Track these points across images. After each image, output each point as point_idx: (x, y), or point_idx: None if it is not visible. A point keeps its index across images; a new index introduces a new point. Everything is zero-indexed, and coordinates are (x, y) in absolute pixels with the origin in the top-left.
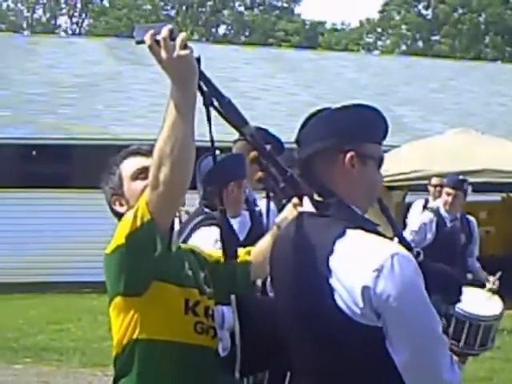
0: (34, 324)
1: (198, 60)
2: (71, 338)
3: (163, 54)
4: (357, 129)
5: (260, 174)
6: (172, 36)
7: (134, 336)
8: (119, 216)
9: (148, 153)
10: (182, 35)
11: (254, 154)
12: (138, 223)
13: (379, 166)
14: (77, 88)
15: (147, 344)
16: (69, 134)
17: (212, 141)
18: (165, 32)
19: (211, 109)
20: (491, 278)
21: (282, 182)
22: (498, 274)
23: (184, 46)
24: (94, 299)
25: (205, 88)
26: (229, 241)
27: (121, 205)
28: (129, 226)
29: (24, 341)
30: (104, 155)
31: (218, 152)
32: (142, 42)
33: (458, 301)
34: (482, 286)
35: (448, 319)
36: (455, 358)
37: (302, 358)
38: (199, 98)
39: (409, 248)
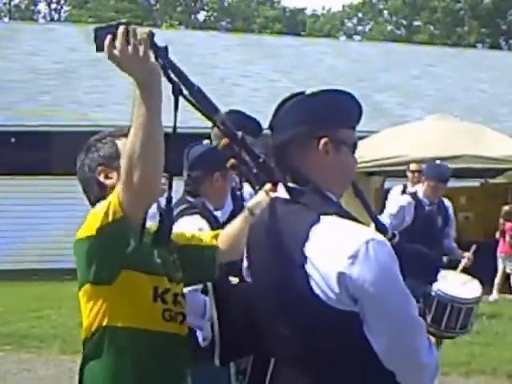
0: (14, 311)
1: (166, 49)
2: (52, 325)
3: (119, 46)
4: (330, 115)
5: (232, 160)
6: (128, 36)
7: (103, 323)
8: (98, 188)
9: None
10: (140, 32)
11: (224, 140)
12: (110, 218)
13: (353, 151)
14: (56, 75)
15: (115, 331)
16: (48, 120)
17: (174, 128)
18: (121, 29)
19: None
20: (466, 254)
21: (255, 169)
22: (473, 248)
23: (137, 44)
24: (75, 286)
25: (174, 77)
26: (165, 224)
27: (106, 177)
28: (100, 219)
29: (4, 328)
30: (83, 142)
31: (207, 141)
32: (101, 50)
33: (435, 280)
34: (458, 265)
35: (429, 302)
36: (432, 339)
37: (281, 345)
38: (169, 87)
39: (384, 231)
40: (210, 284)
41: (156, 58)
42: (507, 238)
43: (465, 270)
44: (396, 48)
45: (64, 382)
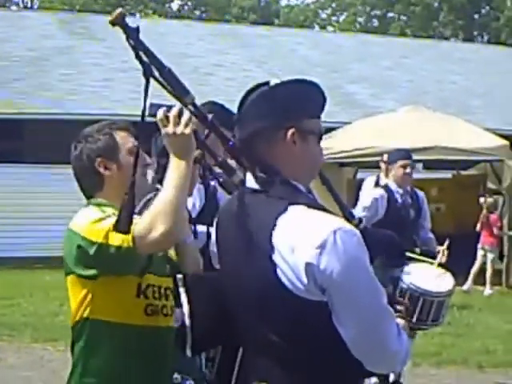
0: None
1: (137, 30)
2: (23, 313)
3: (170, 128)
4: (296, 105)
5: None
6: (180, 115)
7: (85, 314)
8: (96, 178)
9: (135, 135)
10: (187, 115)
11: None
12: (116, 243)
13: (319, 140)
14: (29, 62)
15: (96, 324)
16: (20, 108)
17: (143, 112)
18: (175, 110)
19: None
20: (440, 248)
21: (224, 152)
22: (447, 242)
23: (186, 125)
24: (46, 275)
25: (144, 58)
26: (126, 212)
27: (106, 168)
28: (104, 233)
29: None
30: (56, 130)
31: None
32: (154, 115)
33: (402, 264)
34: (433, 257)
35: (401, 295)
36: (401, 322)
37: (251, 334)
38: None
39: (350, 217)
40: (179, 275)
41: (127, 39)
42: (495, 230)
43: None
44: (369, 39)
45: (35, 370)
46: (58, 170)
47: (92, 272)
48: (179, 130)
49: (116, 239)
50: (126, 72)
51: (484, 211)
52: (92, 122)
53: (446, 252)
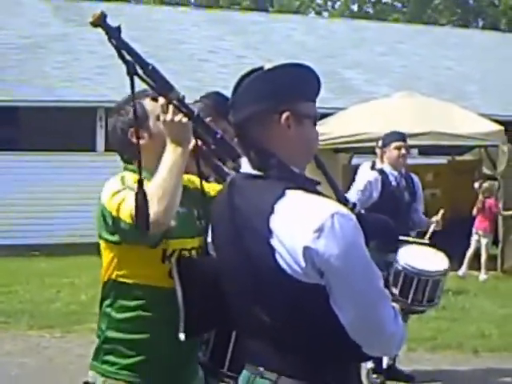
0: None
1: (119, 29)
2: (19, 300)
3: (169, 115)
4: (290, 88)
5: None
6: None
7: (112, 276)
8: (132, 149)
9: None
10: (185, 110)
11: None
12: (125, 218)
13: (314, 123)
14: (24, 49)
15: (122, 286)
16: (15, 95)
17: (134, 108)
18: (175, 99)
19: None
20: (434, 218)
21: (213, 145)
22: (441, 212)
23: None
24: (42, 262)
25: (127, 57)
26: (142, 210)
27: (138, 137)
28: (116, 207)
29: None
30: (51, 117)
31: None
32: (155, 99)
33: (396, 249)
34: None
35: (396, 276)
36: (397, 306)
37: (246, 318)
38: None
39: (345, 201)
40: (173, 259)
41: (109, 39)
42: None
43: (433, 239)
44: (364, 25)
45: (31, 357)
46: (53, 156)
47: (115, 238)
48: (177, 117)
49: (125, 214)
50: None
51: (480, 196)
52: (87, 109)
53: (440, 221)
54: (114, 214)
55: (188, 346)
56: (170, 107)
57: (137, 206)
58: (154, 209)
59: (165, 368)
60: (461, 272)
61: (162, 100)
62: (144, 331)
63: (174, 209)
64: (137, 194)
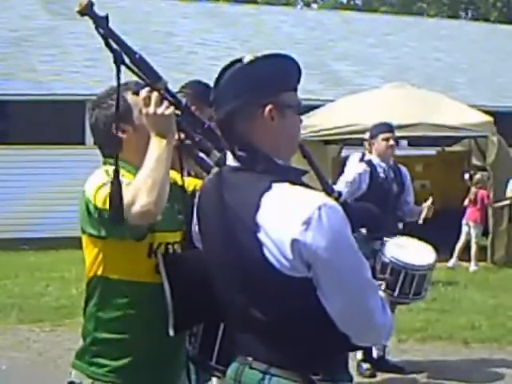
0: None
1: (106, 18)
2: (8, 294)
3: (151, 108)
4: (272, 80)
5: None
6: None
7: (98, 273)
8: (114, 143)
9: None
10: (167, 102)
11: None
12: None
13: (297, 112)
14: (11, 43)
15: (107, 282)
16: (3, 89)
17: (118, 99)
18: (156, 93)
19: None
20: (425, 204)
21: (200, 135)
22: (430, 200)
23: (167, 106)
24: (31, 256)
25: (115, 45)
26: (116, 201)
27: (123, 131)
28: (103, 199)
29: None
30: (39, 111)
31: None
32: (137, 93)
33: (381, 236)
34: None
35: (383, 269)
36: (384, 295)
37: (235, 312)
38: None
39: (330, 191)
40: (159, 254)
41: (96, 28)
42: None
43: (422, 229)
44: (353, 17)
45: (21, 351)
46: (42, 150)
47: (100, 233)
48: (160, 110)
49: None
50: (108, 52)
51: (473, 188)
52: (76, 103)
53: (429, 203)
54: (101, 206)
55: (176, 341)
56: (153, 100)
57: (111, 195)
58: (144, 200)
59: (153, 365)
60: (451, 263)
61: (143, 93)
62: (133, 330)
63: (164, 199)
64: (112, 183)
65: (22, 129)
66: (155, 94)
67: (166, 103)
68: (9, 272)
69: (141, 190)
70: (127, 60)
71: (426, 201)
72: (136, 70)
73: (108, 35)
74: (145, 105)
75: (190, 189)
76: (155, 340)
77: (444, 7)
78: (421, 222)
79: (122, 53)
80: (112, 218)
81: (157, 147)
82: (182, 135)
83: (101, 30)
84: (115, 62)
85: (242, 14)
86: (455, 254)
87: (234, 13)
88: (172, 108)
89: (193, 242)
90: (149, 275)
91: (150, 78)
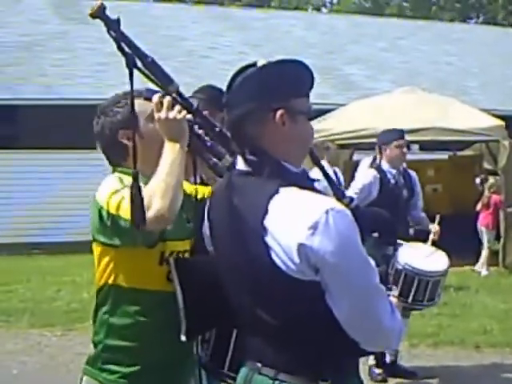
0: None
1: (118, 21)
2: (20, 298)
3: (163, 113)
4: (284, 86)
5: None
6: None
7: (109, 281)
8: (120, 150)
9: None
10: (180, 106)
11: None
12: (126, 216)
13: (309, 118)
14: (23, 47)
15: (119, 290)
16: (15, 94)
17: (132, 102)
18: (168, 98)
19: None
20: (432, 226)
21: (212, 139)
22: (437, 218)
23: (179, 111)
24: (43, 260)
25: (127, 49)
26: (137, 205)
27: (129, 139)
28: (116, 205)
29: None
30: (51, 115)
31: None
32: (149, 99)
33: (394, 241)
34: (427, 234)
35: (396, 276)
36: (394, 300)
37: (245, 316)
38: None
39: (341, 196)
40: (171, 259)
41: (108, 31)
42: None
43: (435, 243)
44: (364, 21)
45: (32, 356)
46: (53, 155)
47: (113, 241)
48: (171, 114)
49: (125, 212)
50: (120, 57)
51: (486, 192)
52: (87, 107)
53: (437, 229)
54: (114, 212)
55: (186, 347)
56: (165, 105)
57: (132, 201)
58: (158, 205)
59: (163, 372)
60: (484, 271)
61: (155, 98)
62: (144, 337)
63: (177, 204)
64: (132, 188)
65: (32, 133)
66: (167, 99)
67: (177, 107)
68: (20, 276)
69: (155, 195)
70: (139, 63)
71: (434, 218)
72: (148, 73)
73: (120, 38)
74: (157, 110)
75: (200, 196)
76: (166, 347)
77: (454, 11)
78: (429, 243)
79: (134, 56)
80: (135, 221)
81: (170, 152)
82: (195, 139)
83: (112, 33)
84: (127, 65)
85: (253, 19)
86: (484, 261)
87: (244, 17)
88: (184, 112)
89: (202, 249)
90: (160, 283)
91: (162, 81)
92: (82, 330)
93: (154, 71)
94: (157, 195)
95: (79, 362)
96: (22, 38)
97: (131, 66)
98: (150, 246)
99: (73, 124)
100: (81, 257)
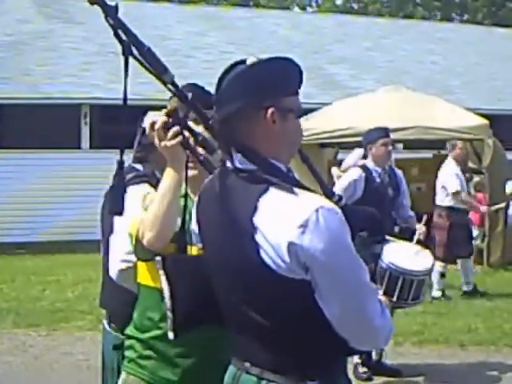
0: None
1: (116, 8)
2: (5, 298)
3: (156, 142)
4: (274, 84)
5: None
6: (167, 125)
7: (137, 279)
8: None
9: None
10: (174, 130)
11: (171, 107)
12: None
13: (298, 116)
14: (6, 47)
15: (141, 287)
16: None
17: (125, 92)
18: (159, 123)
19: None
20: (418, 226)
21: (205, 131)
22: (424, 218)
23: (174, 136)
24: (28, 260)
25: (123, 37)
26: (117, 192)
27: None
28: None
29: None
30: (35, 115)
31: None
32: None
33: (383, 239)
34: (413, 233)
35: (381, 274)
36: (383, 299)
37: (234, 314)
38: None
39: (330, 194)
40: (158, 257)
41: (105, 17)
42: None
43: (420, 242)
44: (349, 20)
45: (17, 356)
46: (38, 154)
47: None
48: (163, 143)
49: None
50: (104, 56)
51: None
52: (71, 107)
53: (423, 229)
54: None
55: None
56: (156, 133)
57: (112, 188)
58: (147, 236)
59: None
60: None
61: (158, 124)
62: (152, 325)
63: (168, 231)
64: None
65: (17, 133)
66: (156, 128)
67: (170, 134)
68: (5, 276)
69: (145, 228)
70: (135, 51)
71: (421, 218)
72: (143, 61)
73: (117, 25)
74: (159, 138)
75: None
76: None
77: (436, 10)
78: (414, 242)
79: (130, 44)
80: (110, 210)
81: (165, 177)
82: (186, 133)
83: (110, 20)
84: (123, 53)
85: (238, 18)
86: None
87: (229, 16)
88: (177, 140)
89: (187, 248)
90: (154, 280)
91: (158, 70)
92: (67, 329)
93: (150, 60)
94: (146, 228)
95: (64, 361)
96: (6, 37)
97: (127, 53)
98: (145, 260)
99: (58, 123)
100: (65, 256)
